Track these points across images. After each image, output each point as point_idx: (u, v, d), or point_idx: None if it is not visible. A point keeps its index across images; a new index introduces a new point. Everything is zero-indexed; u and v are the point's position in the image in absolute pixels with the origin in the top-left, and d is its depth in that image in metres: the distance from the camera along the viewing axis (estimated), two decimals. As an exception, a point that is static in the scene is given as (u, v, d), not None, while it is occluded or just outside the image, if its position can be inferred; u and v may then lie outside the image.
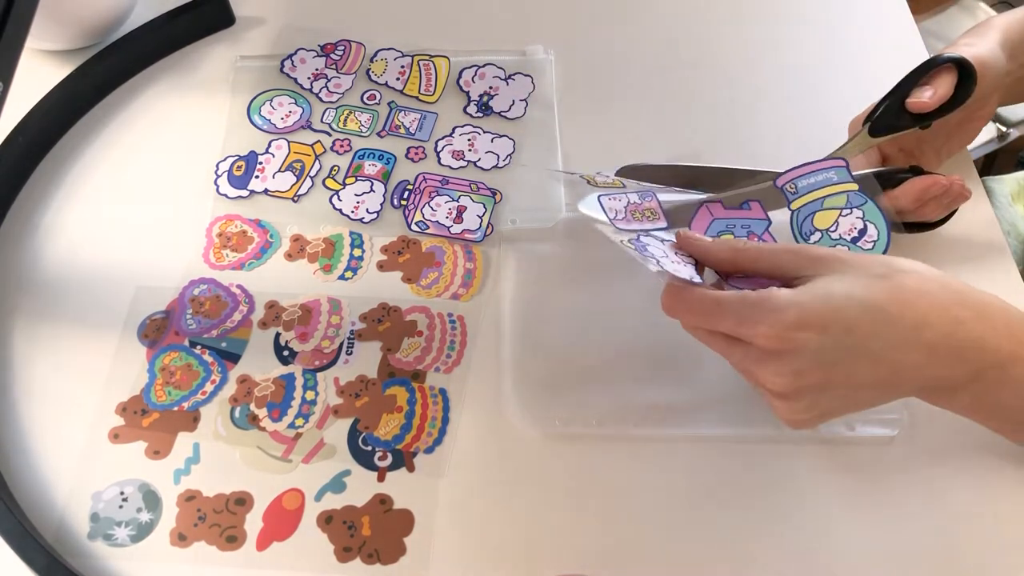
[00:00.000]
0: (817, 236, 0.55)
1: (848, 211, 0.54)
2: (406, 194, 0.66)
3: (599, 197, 0.53)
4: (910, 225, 0.59)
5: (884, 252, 0.54)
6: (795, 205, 0.55)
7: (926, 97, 0.56)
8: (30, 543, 0.50)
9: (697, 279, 0.48)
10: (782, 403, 0.46)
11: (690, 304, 0.47)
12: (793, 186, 0.55)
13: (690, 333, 0.49)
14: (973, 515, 0.52)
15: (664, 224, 0.54)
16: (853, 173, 0.55)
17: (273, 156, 0.68)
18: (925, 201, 0.57)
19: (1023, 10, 0.61)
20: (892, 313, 0.44)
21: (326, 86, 0.72)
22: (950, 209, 0.59)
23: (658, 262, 0.47)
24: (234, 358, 0.59)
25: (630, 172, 0.60)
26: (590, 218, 0.52)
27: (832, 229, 0.55)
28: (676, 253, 0.50)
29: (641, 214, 0.53)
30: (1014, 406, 0.47)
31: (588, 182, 0.56)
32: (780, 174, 0.56)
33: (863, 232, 0.54)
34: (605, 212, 0.52)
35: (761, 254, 0.47)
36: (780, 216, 0.56)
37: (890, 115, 0.57)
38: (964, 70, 0.56)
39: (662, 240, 0.51)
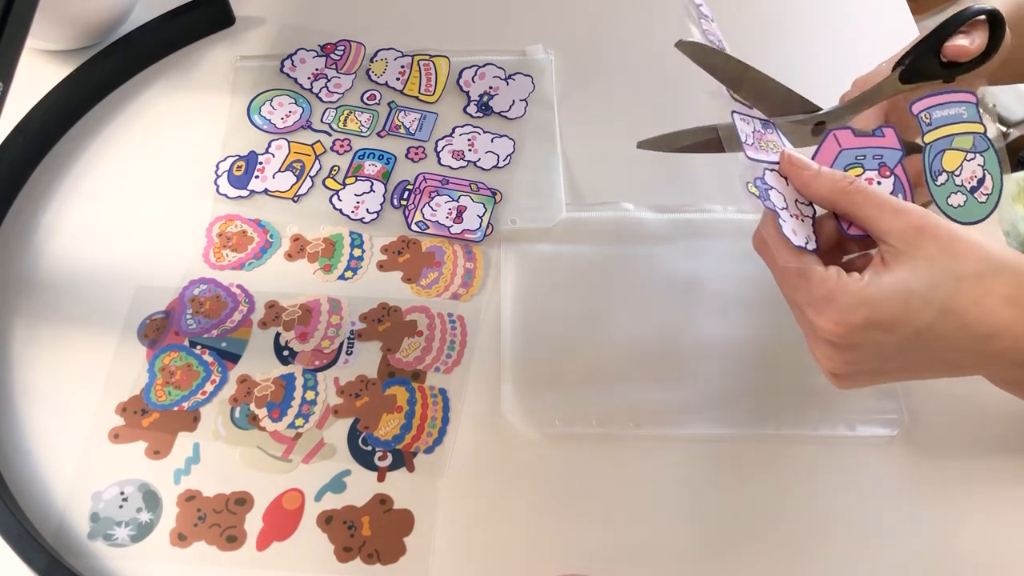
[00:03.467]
0: (944, 177, 0.51)
1: (972, 156, 0.51)
2: (406, 194, 0.66)
3: (733, 113, 0.50)
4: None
5: (995, 207, 0.50)
6: (928, 138, 0.51)
7: (966, 43, 0.53)
8: (30, 543, 0.50)
9: (812, 245, 0.46)
10: (831, 377, 0.46)
11: (773, 260, 0.46)
12: (928, 116, 0.52)
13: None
14: (973, 515, 0.52)
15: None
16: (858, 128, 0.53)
17: (273, 156, 0.68)
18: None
19: None
20: (968, 321, 0.42)
21: (326, 86, 0.72)
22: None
23: (779, 214, 0.45)
24: (234, 358, 0.59)
25: (685, 47, 0.55)
26: (739, 133, 0.48)
27: (957, 173, 0.51)
28: (797, 203, 0.47)
29: (766, 144, 0.49)
30: None
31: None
32: (916, 99, 0.52)
33: (981, 182, 0.51)
34: (739, 134, 0.49)
35: (865, 202, 0.45)
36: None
37: (923, 62, 0.55)
38: (995, 22, 0.54)
39: (786, 180, 0.48)
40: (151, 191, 0.67)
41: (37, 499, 0.53)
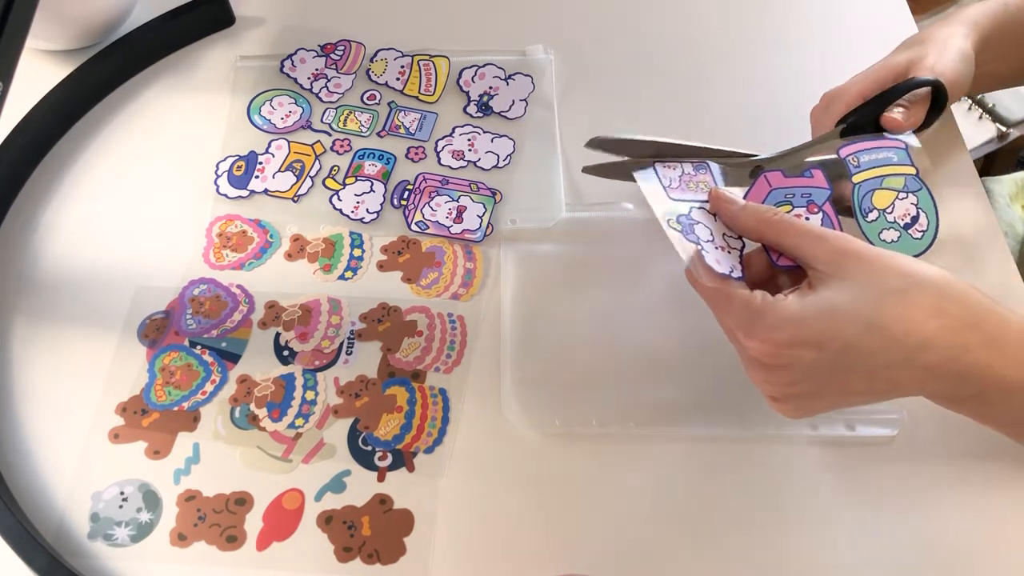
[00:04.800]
0: (875, 215, 0.54)
1: (904, 195, 0.54)
2: (406, 194, 0.66)
3: (654, 164, 0.53)
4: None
5: (932, 242, 0.54)
6: (856, 179, 0.54)
7: (900, 119, 0.57)
8: (30, 543, 0.50)
9: (737, 274, 0.47)
10: (771, 402, 0.47)
11: (702, 288, 0.48)
12: (856, 159, 0.55)
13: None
14: (974, 515, 0.52)
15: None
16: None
17: (273, 156, 0.68)
18: None
19: (993, 4, 0.61)
20: (896, 333, 0.43)
21: (326, 86, 0.72)
22: None
23: (702, 246, 0.47)
24: (234, 358, 0.59)
25: (600, 144, 0.58)
26: (642, 191, 0.51)
27: (889, 210, 0.54)
28: (724, 236, 0.49)
29: (696, 185, 0.52)
30: (1018, 420, 0.47)
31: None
32: (844, 144, 0.56)
33: (915, 219, 0.54)
34: (660, 180, 0.52)
35: (788, 231, 0.47)
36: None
37: (863, 123, 0.58)
38: (938, 92, 0.57)
39: (715, 217, 0.51)
40: (151, 191, 0.67)
41: (37, 499, 0.53)
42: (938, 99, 0.58)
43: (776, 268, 0.49)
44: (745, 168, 0.57)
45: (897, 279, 0.44)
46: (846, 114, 0.58)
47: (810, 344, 0.43)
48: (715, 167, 0.53)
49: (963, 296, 0.44)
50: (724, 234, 0.50)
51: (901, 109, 0.57)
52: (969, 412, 0.47)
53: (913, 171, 0.55)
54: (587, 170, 0.59)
